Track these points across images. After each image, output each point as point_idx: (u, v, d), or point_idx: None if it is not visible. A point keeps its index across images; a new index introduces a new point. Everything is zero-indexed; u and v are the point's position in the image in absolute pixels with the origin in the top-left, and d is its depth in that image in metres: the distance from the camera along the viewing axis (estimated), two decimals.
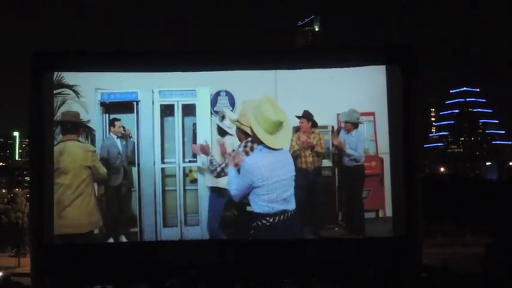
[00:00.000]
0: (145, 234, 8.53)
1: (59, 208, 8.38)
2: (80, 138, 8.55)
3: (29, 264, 8.70)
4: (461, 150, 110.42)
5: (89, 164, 8.42)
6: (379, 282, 6.17)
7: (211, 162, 7.39)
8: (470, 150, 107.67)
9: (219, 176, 7.20)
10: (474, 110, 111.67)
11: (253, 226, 5.90)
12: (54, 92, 8.59)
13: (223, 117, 8.05)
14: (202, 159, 8.15)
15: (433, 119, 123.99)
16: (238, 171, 5.96)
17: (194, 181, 8.61)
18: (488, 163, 71.76)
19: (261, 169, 5.71)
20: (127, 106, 8.69)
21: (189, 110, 8.72)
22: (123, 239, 8.61)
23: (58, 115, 8.55)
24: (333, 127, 8.92)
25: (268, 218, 5.79)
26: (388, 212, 8.65)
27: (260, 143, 5.81)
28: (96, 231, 8.52)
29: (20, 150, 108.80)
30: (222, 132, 8.02)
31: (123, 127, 8.61)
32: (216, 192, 8.06)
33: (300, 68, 8.73)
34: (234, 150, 6.81)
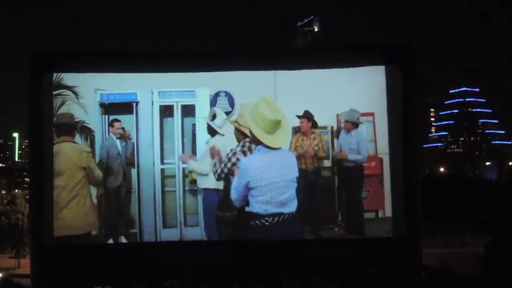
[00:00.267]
0: (144, 235, 8.53)
1: (55, 210, 8.38)
2: (76, 140, 8.55)
3: (29, 266, 8.70)
4: (461, 150, 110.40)
5: (83, 165, 8.41)
6: (379, 283, 6.17)
7: (214, 164, 7.36)
8: (469, 150, 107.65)
9: (219, 178, 7.15)
10: (474, 110, 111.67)
11: (249, 226, 5.92)
12: (54, 93, 8.59)
13: (214, 116, 8.05)
14: (201, 164, 8.16)
15: (432, 119, 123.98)
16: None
17: (194, 182, 8.60)
18: (487, 163, 71.77)
19: (255, 170, 5.70)
20: (126, 107, 8.69)
21: (188, 111, 8.72)
22: (123, 239, 8.61)
23: (56, 116, 8.56)
24: (332, 127, 8.93)
25: (262, 220, 5.78)
26: (388, 212, 8.65)
27: (259, 143, 5.81)
28: (94, 232, 8.51)
29: (20, 152, 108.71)
30: (212, 132, 8.05)
31: (123, 128, 8.62)
32: (215, 193, 8.06)
33: (300, 69, 8.74)
34: (231, 150, 6.79)
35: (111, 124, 8.63)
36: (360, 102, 8.66)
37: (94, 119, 8.64)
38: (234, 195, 5.96)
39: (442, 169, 59.34)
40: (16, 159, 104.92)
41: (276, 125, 5.76)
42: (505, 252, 9.23)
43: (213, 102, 8.70)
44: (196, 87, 8.69)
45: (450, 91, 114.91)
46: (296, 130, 8.70)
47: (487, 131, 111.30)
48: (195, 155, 8.53)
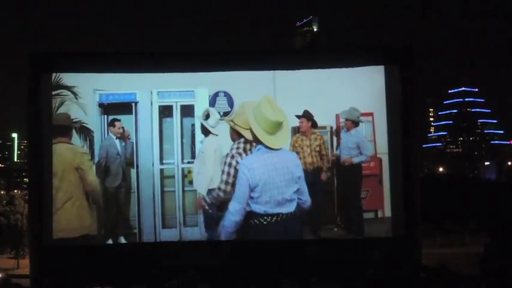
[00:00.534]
0: (144, 235, 8.53)
1: (53, 211, 8.37)
2: (75, 140, 8.53)
3: (28, 266, 8.69)
4: (460, 150, 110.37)
5: (77, 166, 8.40)
6: (379, 283, 6.17)
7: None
8: (468, 150, 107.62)
9: (227, 184, 6.52)
10: (473, 110, 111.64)
11: (247, 226, 5.94)
12: (53, 93, 8.59)
13: (207, 116, 8.05)
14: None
15: (431, 119, 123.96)
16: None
17: (193, 182, 8.60)
18: (486, 163, 71.73)
19: (255, 170, 5.74)
20: (125, 107, 8.69)
21: (187, 111, 8.72)
22: (122, 240, 8.61)
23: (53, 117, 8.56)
24: (331, 127, 8.93)
25: (260, 219, 5.82)
26: (387, 212, 8.66)
27: (259, 143, 5.83)
28: (92, 233, 8.45)
29: (19, 152, 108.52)
30: (206, 131, 8.05)
31: (123, 128, 8.62)
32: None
33: (299, 69, 8.75)
34: (227, 154, 6.70)
35: (111, 124, 8.62)
36: (359, 102, 8.67)
37: (93, 119, 8.63)
38: (235, 206, 5.87)
39: (441, 169, 59.34)
40: (15, 160, 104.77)
41: (278, 126, 5.79)
42: (504, 252, 9.24)
43: (212, 102, 8.70)
44: (196, 87, 8.69)
45: (449, 91, 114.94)
46: (295, 130, 8.71)
47: (486, 131, 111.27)
48: (194, 155, 8.53)
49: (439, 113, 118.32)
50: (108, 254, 8.48)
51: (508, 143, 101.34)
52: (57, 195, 8.36)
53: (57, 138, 8.47)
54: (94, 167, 8.52)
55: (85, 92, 8.62)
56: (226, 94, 8.73)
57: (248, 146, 6.33)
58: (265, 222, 5.82)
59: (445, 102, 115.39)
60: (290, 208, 5.90)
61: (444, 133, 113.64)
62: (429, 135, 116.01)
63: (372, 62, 8.80)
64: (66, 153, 8.44)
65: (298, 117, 8.55)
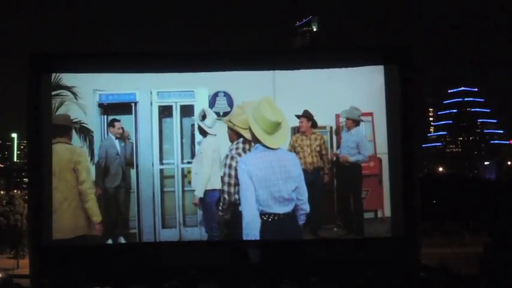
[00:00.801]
0: (144, 235, 8.53)
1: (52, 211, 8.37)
2: (74, 140, 8.54)
3: (28, 266, 8.69)
4: (460, 149, 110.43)
5: (74, 166, 8.42)
6: (378, 282, 6.17)
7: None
8: (468, 149, 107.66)
9: (230, 185, 6.58)
10: (472, 109, 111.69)
11: (244, 226, 5.99)
12: (52, 93, 8.59)
13: (203, 117, 8.06)
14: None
15: (431, 118, 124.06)
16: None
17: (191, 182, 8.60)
18: (486, 163, 71.74)
19: (251, 166, 5.84)
20: (125, 107, 8.69)
21: (187, 111, 8.73)
22: (122, 240, 8.61)
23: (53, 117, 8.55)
24: (331, 127, 8.93)
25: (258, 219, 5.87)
26: (387, 212, 8.66)
27: (258, 142, 5.89)
28: (89, 233, 8.45)
29: (18, 152, 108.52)
30: (203, 132, 8.06)
31: (122, 128, 8.61)
32: (215, 193, 8.05)
33: (298, 69, 8.75)
34: (227, 155, 6.70)
35: (111, 124, 8.62)
36: (359, 102, 8.68)
37: (93, 120, 8.64)
38: (248, 201, 5.84)
39: (440, 169, 59.32)
40: (15, 160, 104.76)
41: (276, 126, 5.86)
42: (504, 252, 9.24)
43: (212, 102, 8.69)
44: (195, 87, 8.69)
45: (449, 91, 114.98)
46: (295, 130, 8.70)
47: (485, 131, 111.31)
48: (194, 155, 8.54)
49: (439, 113, 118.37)
50: (107, 254, 8.47)
51: (508, 142, 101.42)
52: (55, 195, 8.38)
53: (56, 138, 8.48)
54: (90, 168, 8.52)
55: (85, 92, 8.62)
56: (226, 94, 8.73)
57: (247, 146, 6.35)
58: (261, 221, 5.86)
59: (444, 102, 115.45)
60: (288, 208, 5.94)
61: (444, 133, 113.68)
62: (429, 135, 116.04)
63: (372, 62, 8.81)
64: (65, 153, 8.44)
65: (298, 117, 8.55)
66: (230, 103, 8.69)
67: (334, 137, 8.94)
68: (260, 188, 5.82)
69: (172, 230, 8.59)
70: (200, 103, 8.62)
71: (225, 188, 6.48)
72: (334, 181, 8.86)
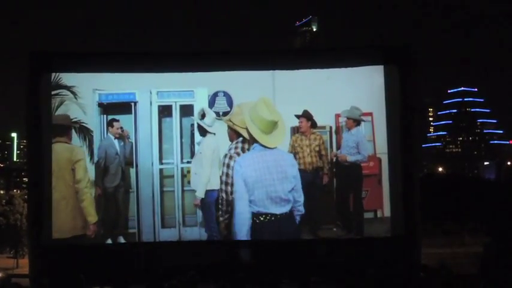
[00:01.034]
0: (143, 235, 8.53)
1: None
2: (74, 140, 8.53)
3: (28, 266, 8.69)
4: (459, 150, 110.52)
5: (72, 166, 8.41)
6: (378, 283, 6.16)
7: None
8: (468, 150, 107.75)
9: (227, 185, 6.61)
10: (472, 109, 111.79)
11: (234, 226, 6.06)
12: (52, 93, 8.59)
13: (203, 116, 8.06)
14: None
15: (431, 118, 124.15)
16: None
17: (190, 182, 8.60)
18: (486, 163, 71.87)
19: (248, 167, 5.84)
20: (125, 107, 8.69)
21: (187, 111, 8.72)
22: (122, 240, 8.61)
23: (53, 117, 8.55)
24: (331, 127, 8.92)
25: (254, 218, 5.91)
26: (387, 212, 8.65)
27: (255, 142, 5.92)
28: (88, 233, 8.45)
29: (18, 152, 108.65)
30: (203, 131, 8.06)
31: (121, 128, 8.61)
32: (215, 193, 8.05)
33: (298, 69, 8.74)
34: (226, 154, 6.70)
35: (110, 124, 8.62)
36: (358, 102, 8.66)
37: (92, 119, 8.64)
38: (239, 203, 5.95)
39: (440, 169, 59.38)
40: (14, 159, 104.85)
41: (273, 125, 5.88)
42: (504, 252, 9.24)
43: (212, 102, 8.69)
44: (195, 87, 8.69)
45: (448, 91, 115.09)
46: (295, 130, 8.70)
47: (485, 131, 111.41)
48: (194, 154, 8.54)
49: (439, 113, 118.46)
50: (107, 253, 8.46)
51: (508, 142, 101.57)
52: (54, 195, 8.37)
53: (56, 138, 8.47)
54: (88, 167, 8.50)
55: (84, 92, 8.62)
56: (226, 94, 8.73)
57: (246, 146, 6.35)
58: (258, 221, 5.88)
59: (444, 102, 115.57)
60: (285, 209, 5.95)
61: (443, 133, 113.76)
62: (428, 135, 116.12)
63: (371, 62, 8.80)
64: (64, 153, 8.44)
65: (298, 117, 8.54)
66: (230, 103, 8.69)
67: (334, 137, 8.94)
68: (256, 189, 5.83)
69: (172, 229, 8.58)
70: (200, 103, 8.62)
71: (223, 187, 6.49)
72: (333, 181, 8.86)
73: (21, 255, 17.86)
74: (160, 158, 8.68)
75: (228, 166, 6.43)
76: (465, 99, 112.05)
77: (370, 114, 8.77)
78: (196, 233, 8.52)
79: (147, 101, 8.66)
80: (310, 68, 8.74)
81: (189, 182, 8.58)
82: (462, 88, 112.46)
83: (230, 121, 6.66)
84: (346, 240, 8.63)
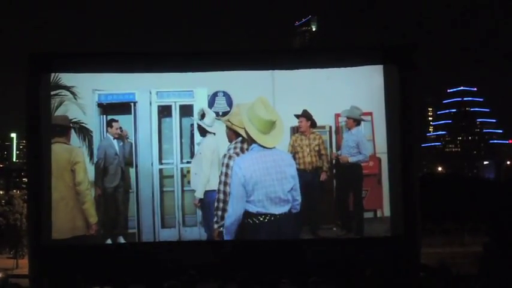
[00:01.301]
0: (143, 235, 8.53)
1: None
2: (73, 140, 8.51)
3: (27, 266, 8.68)
4: (459, 149, 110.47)
5: (71, 167, 8.39)
6: (378, 282, 6.17)
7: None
8: (467, 149, 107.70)
9: (226, 184, 6.57)
10: (471, 109, 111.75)
11: (242, 225, 5.99)
12: (52, 93, 8.57)
13: (202, 116, 8.06)
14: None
15: (430, 118, 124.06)
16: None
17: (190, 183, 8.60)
18: (485, 162, 71.94)
19: (247, 168, 5.82)
20: (124, 107, 8.69)
21: (186, 111, 8.72)
22: (121, 240, 8.61)
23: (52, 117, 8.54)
24: (330, 127, 8.93)
25: (254, 218, 5.90)
26: (386, 211, 8.65)
27: (253, 142, 5.92)
28: (87, 234, 8.44)
29: (18, 152, 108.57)
30: (203, 131, 8.06)
31: (121, 128, 8.61)
32: (211, 193, 8.04)
33: (298, 68, 8.73)
34: (225, 154, 6.69)
35: (109, 124, 8.62)
36: (358, 102, 8.66)
37: (92, 119, 8.63)
38: (233, 205, 5.96)
39: (440, 168, 59.46)
40: (14, 160, 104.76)
41: (271, 125, 5.87)
42: (504, 252, 9.24)
43: (211, 102, 8.69)
44: (195, 87, 8.68)
45: (448, 90, 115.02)
46: (295, 130, 8.70)
47: (484, 131, 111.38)
48: (193, 155, 8.54)
49: (438, 113, 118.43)
50: (107, 253, 8.46)
51: (507, 142, 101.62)
52: (53, 195, 8.36)
53: (55, 138, 8.46)
54: (88, 168, 8.49)
55: (84, 92, 8.61)
56: (225, 94, 8.73)
57: (245, 146, 6.35)
58: (257, 221, 5.89)
59: (444, 102, 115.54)
60: (284, 209, 5.96)
61: (443, 132, 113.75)
62: (428, 134, 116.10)
63: (371, 61, 8.79)
64: (63, 153, 8.43)
65: (297, 116, 8.55)
66: (229, 103, 8.69)
67: (334, 137, 8.95)
68: (256, 190, 5.83)
69: (172, 229, 8.58)
70: (199, 103, 8.61)
71: (221, 187, 6.48)
72: (333, 181, 8.86)
73: (20, 255, 17.89)
74: (160, 158, 8.68)
75: (228, 166, 6.43)
76: (465, 98, 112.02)
77: (370, 114, 8.77)
78: (196, 233, 8.52)
79: (146, 101, 8.65)
80: (309, 68, 8.73)
81: (189, 182, 8.58)
82: (462, 88, 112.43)
83: (229, 121, 6.65)
84: (346, 240, 8.62)
